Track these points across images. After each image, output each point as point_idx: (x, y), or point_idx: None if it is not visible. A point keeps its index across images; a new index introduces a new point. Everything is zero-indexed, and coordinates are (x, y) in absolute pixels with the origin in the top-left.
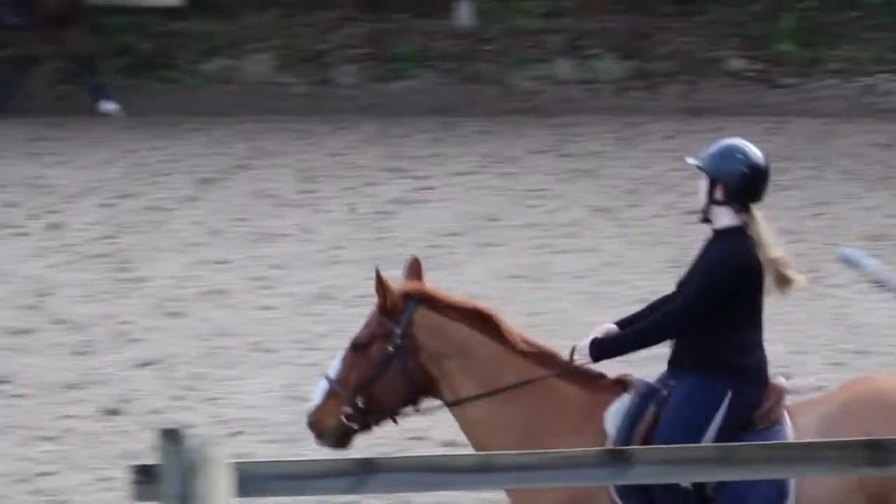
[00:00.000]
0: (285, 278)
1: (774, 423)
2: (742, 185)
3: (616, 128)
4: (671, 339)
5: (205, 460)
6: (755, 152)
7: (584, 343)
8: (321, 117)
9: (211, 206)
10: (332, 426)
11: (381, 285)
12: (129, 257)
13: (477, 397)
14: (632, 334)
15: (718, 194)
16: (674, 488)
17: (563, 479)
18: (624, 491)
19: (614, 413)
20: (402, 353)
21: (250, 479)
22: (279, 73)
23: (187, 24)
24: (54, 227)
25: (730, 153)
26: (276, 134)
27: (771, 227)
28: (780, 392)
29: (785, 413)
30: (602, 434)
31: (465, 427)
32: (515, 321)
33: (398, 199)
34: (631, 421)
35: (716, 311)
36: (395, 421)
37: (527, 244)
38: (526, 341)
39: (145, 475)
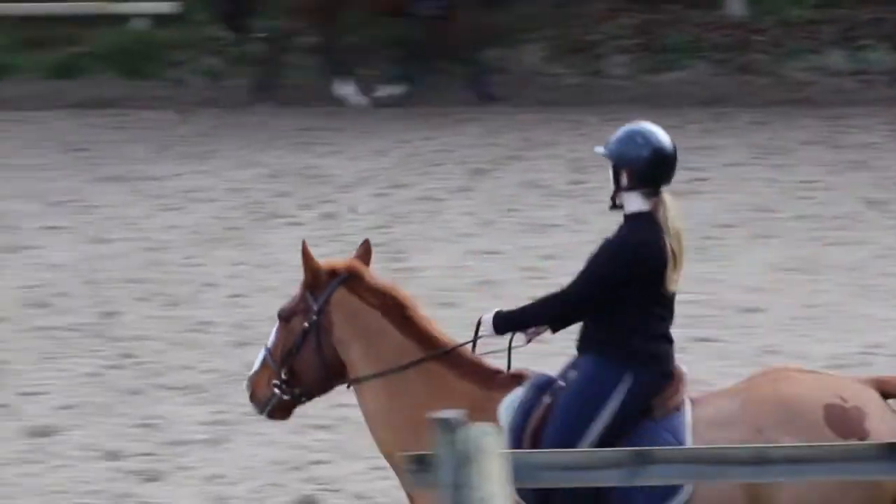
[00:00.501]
0: (556, 269)
1: (673, 410)
2: (646, 169)
3: (890, 119)
4: (566, 317)
5: (478, 450)
6: (659, 136)
7: (489, 316)
8: (592, 108)
9: (483, 197)
10: (264, 395)
11: (306, 259)
12: (402, 247)
13: (364, 378)
14: (530, 308)
15: (624, 180)
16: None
17: (838, 473)
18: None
19: (507, 406)
20: (316, 329)
21: (523, 468)
22: (550, 63)
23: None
24: (328, 216)
25: (631, 138)
26: (547, 125)
27: (681, 211)
28: (680, 380)
29: (686, 402)
30: None
31: (363, 412)
32: (788, 313)
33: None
34: (524, 413)
35: (609, 296)
36: (320, 396)
37: (799, 236)
38: (433, 334)
39: (420, 464)
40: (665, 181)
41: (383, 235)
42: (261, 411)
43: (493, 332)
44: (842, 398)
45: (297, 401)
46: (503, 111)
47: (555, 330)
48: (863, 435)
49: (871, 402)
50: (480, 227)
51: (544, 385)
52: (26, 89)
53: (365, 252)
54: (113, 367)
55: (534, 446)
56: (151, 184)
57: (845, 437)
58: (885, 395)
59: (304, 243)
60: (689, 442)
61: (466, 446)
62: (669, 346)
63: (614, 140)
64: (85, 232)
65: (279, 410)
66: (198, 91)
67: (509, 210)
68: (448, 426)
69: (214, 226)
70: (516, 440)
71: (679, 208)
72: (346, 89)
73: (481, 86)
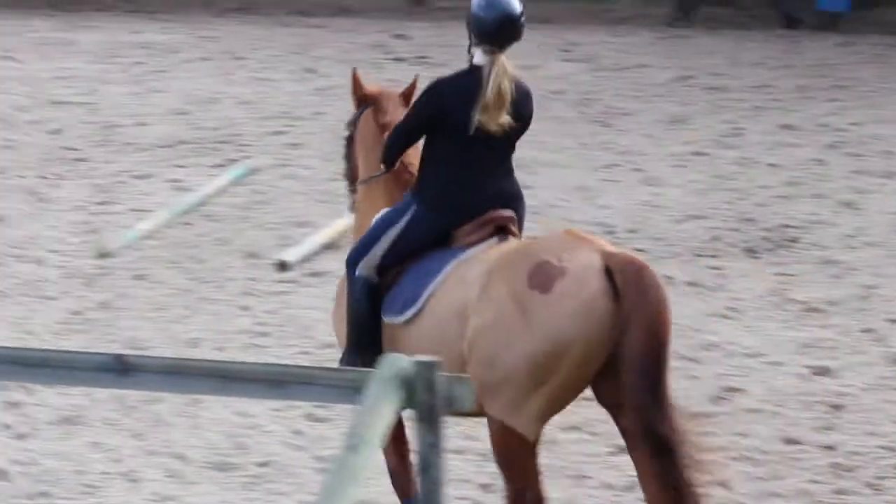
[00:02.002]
0: None
1: (466, 244)
2: (475, 27)
3: None
4: (385, 155)
5: None
6: (504, 2)
7: None
8: None
9: None
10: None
11: (354, 84)
12: None
13: (360, 182)
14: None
15: (472, 38)
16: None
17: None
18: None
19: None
20: (350, 139)
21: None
22: None
23: None
24: None
25: (482, 2)
26: None
27: (509, 72)
28: (487, 224)
29: (485, 243)
30: None
31: None
32: None
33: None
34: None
35: (413, 137)
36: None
37: None
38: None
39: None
40: (496, 41)
41: None
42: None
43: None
44: (559, 258)
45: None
46: None
47: (385, 166)
48: (544, 289)
49: (581, 268)
50: None
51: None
52: None
53: (412, 87)
54: None
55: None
56: None
57: (531, 289)
58: (608, 270)
59: (353, 71)
60: (445, 270)
61: None
62: (476, 190)
63: (472, 3)
64: None
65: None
66: None
67: None
68: None
69: None
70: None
71: (513, 67)
72: None
73: None
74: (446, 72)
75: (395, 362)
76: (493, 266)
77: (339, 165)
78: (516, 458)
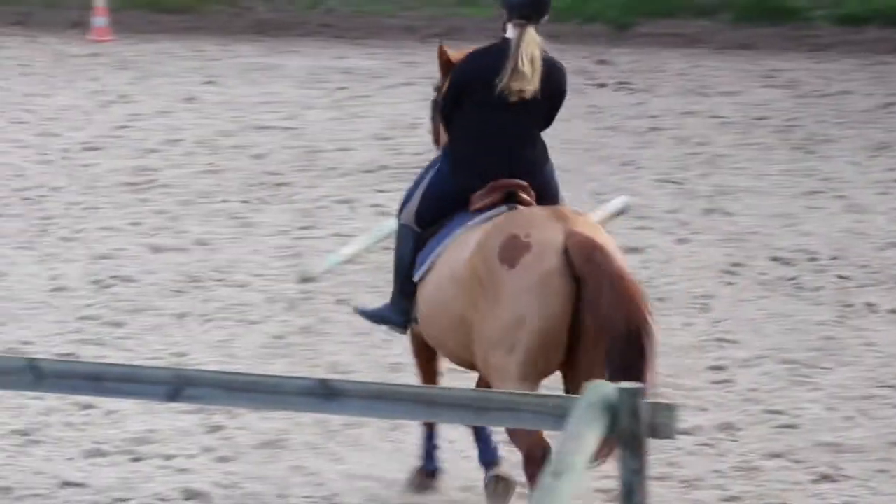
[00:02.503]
0: None
1: (480, 208)
2: (507, 3)
3: None
4: (433, 127)
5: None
6: None
7: None
8: None
9: None
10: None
11: (441, 53)
12: None
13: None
14: None
15: (504, 14)
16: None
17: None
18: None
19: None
20: (435, 105)
21: None
22: None
23: None
24: None
25: None
26: None
27: (538, 42)
28: (497, 189)
29: (496, 209)
30: None
31: None
32: None
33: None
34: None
35: (453, 103)
36: None
37: None
38: None
39: None
40: (532, 17)
41: None
42: None
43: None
44: (527, 234)
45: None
46: None
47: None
48: (511, 264)
49: (542, 245)
50: None
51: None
52: None
53: None
54: None
55: None
56: None
57: (501, 263)
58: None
59: (440, 47)
60: (454, 234)
61: None
62: (494, 156)
63: None
64: None
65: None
66: None
67: None
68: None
69: None
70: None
71: (538, 39)
72: None
73: None
74: (649, 97)
75: (599, 389)
76: (482, 237)
77: None
78: None
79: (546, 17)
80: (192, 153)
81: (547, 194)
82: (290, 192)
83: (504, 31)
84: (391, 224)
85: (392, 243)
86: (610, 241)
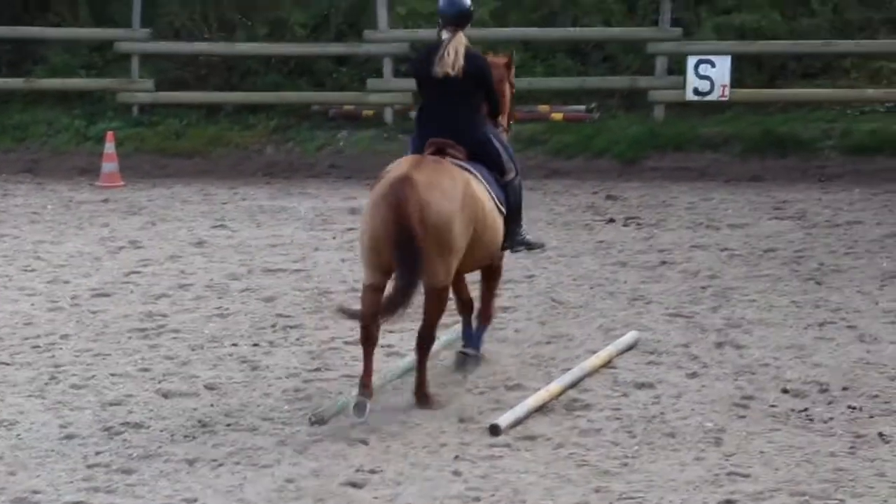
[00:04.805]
0: None
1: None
2: (443, 17)
3: None
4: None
5: None
6: None
7: None
8: None
9: None
10: None
11: (508, 59)
12: None
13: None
14: None
15: (441, 22)
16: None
17: None
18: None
19: None
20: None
21: None
22: None
23: None
24: None
25: (444, 1)
26: None
27: (463, 41)
28: (431, 146)
29: (437, 162)
30: None
31: None
32: None
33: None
34: None
35: (418, 88)
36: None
37: None
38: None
39: None
40: (459, 25)
41: None
42: None
43: None
44: (388, 171)
45: None
46: None
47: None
48: (371, 190)
49: (383, 180)
50: None
51: None
52: None
53: (509, 59)
54: None
55: None
56: None
57: (370, 189)
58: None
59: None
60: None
61: None
62: (434, 121)
63: (439, 2)
64: None
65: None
66: None
67: None
68: None
69: None
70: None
71: (464, 39)
72: None
73: None
74: (658, 231)
75: None
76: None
77: (552, 329)
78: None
79: (469, 25)
80: (202, 297)
81: (481, 151)
82: (299, 335)
83: (439, 34)
84: (402, 364)
85: (401, 383)
86: (431, 179)
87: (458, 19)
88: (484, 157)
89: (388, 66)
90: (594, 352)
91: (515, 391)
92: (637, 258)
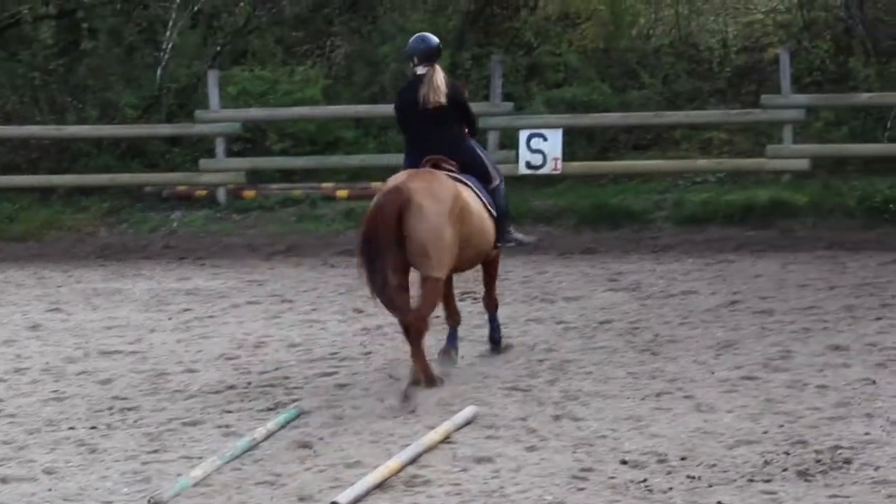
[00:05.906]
0: None
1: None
2: (416, 54)
3: None
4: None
5: None
6: (427, 36)
7: None
8: None
9: None
10: None
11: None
12: None
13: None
14: None
15: (415, 60)
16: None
17: None
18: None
19: None
20: None
21: None
22: None
23: None
24: None
25: (415, 39)
26: None
27: (440, 73)
28: (427, 163)
29: (430, 172)
30: None
31: None
32: None
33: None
34: None
35: (402, 121)
36: None
37: None
38: None
39: None
40: (433, 60)
41: None
42: None
43: None
44: (386, 182)
45: None
46: None
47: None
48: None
49: (383, 188)
50: None
51: None
52: None
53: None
54: None
55: None
56: None
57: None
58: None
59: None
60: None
61: None
62: (419, 152)
63: (410, 42)
64: None
65: None
66: None
67: None
68: None
69: None
70: None
71: (442, 72)
72: None
73: None
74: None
75: None
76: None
77: (389, 405)
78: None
79: (439, 59)
80: (38, 381)
81: (472, 163)
82: (137, 417)
83: (413, 72)
84: (240, 444)
85: (239, 463)
86: (424, 186)
87: (431, 54)
88: (473, 168)
89: (220, 146)
90: (432, 427)
91: (355, 468)
92: (473, 332)
